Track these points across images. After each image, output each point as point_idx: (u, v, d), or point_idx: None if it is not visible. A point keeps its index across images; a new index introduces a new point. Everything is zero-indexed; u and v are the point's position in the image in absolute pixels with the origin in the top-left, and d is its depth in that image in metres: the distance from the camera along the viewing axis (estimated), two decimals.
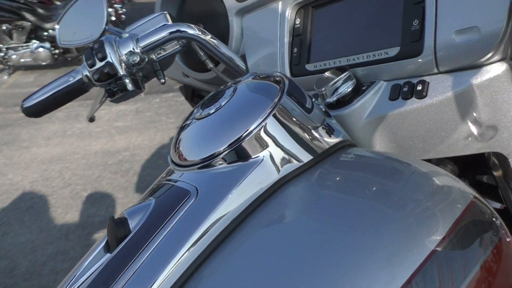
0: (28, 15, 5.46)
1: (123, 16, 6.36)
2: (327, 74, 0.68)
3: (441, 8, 0.56)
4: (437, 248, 0.40)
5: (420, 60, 0.59)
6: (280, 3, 0.78)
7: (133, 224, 0.48)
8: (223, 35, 0.89)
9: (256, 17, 0.84)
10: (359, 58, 0.67)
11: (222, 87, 0.60)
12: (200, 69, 0.98)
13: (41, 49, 5.52)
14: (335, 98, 0.66)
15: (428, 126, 0.61)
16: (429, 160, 0.66)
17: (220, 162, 0.51)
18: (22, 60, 5.58)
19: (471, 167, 0.73)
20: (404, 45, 0.61)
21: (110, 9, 5.77)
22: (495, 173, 0.65)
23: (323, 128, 0.57)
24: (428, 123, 0.61)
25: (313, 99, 0.59)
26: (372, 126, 0.66)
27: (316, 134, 0.55)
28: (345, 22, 0.70)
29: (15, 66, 5.76)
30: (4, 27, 5.59)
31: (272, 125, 0.51)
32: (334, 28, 0.72)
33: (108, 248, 0.49)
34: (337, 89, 0.66)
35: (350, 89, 0.66)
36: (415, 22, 0.59)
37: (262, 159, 0.50)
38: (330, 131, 0.57)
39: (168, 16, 0.82)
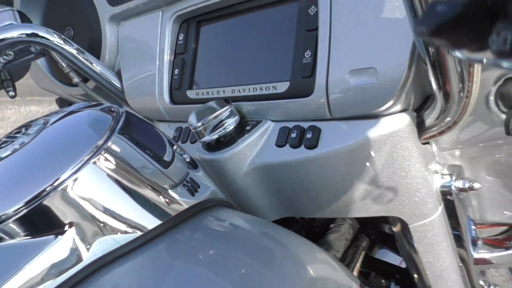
0: None
1: None
2: (210, 104, 0.54)
3: (336, 40, 0.44)
4: None
5: (311, 101, 0.47)
6: (161, 12, 0.64)
7: None
8: (96, 45, 0.72)
9: (133, 26, 0.68)
10: (245, 91, 0.54)
11: (33, 120, 0.44)
12: (68, 82, 0.80)
13: None
14: (214, 137, 0.53)
15: (318, 181, 0.50)
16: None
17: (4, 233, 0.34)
18: None
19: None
20: (294, 81, 0.49)
21: None
22: (394, 229, 0.56)
23: (184, 185, 0.42)
24: (318, 178, 0.49)
25: (175, 146, 0.45)
26: (256, 175, 0.53)
27: (171, 194, 0.40)
28: (234, 44, 0.57)
29: None
30: None
31: (92, 179, 0.35)
32: (222, 50, 0.59)
33: None
34: (217, 125, 0.53)
35: (233, 127, 0.53)
36: (307, 53, 0.47)
37: (72, 229, 0.34)
38: (193, 189, 0.43)
39: (17, 13, 0.63)
